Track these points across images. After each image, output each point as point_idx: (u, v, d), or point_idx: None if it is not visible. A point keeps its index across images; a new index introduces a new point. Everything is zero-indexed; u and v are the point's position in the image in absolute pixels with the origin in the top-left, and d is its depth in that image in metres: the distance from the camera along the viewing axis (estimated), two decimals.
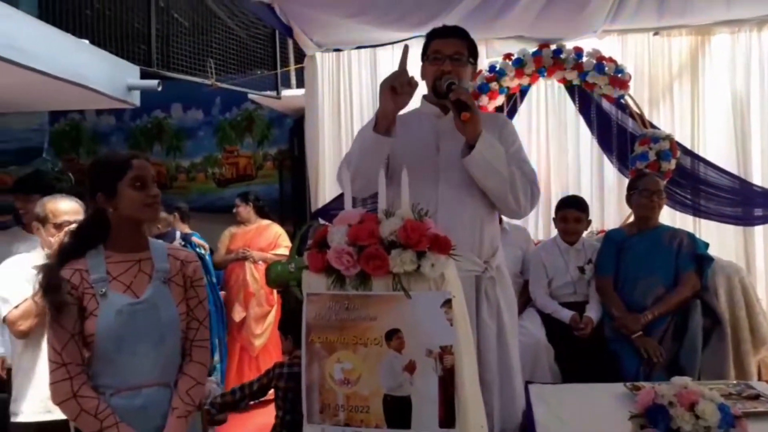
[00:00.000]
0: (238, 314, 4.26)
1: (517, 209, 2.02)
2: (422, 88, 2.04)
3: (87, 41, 3.10)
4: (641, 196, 3.04)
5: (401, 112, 1.94)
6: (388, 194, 1.61)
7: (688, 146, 3.90)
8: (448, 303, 1.50)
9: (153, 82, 3.43)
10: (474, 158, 1.88)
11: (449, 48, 1.99)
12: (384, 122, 1.87)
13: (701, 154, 3.90)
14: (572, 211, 3.19)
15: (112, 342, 1.62)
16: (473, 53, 2.05)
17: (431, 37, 2.05)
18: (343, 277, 1.53)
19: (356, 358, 1.49)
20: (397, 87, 1.82)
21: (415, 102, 1.97)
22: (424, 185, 1.91)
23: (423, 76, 2.07)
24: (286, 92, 5.01)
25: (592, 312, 3.05)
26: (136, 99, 3.48)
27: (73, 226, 1.93)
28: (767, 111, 3.86)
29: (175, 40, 4.51)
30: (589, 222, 3.31)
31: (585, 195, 3.94)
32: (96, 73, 2.99)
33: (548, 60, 3.83)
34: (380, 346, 1.49)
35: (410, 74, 1.84)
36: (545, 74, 3.89)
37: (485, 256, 2.05)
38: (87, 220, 1.78)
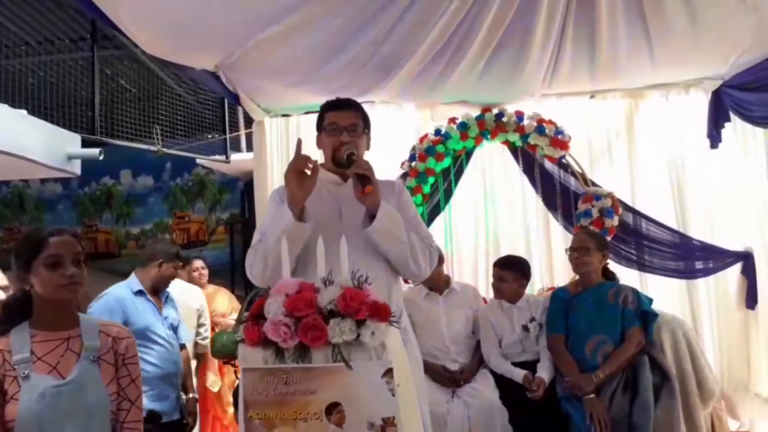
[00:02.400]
0: (214, 384, 4.09)
1: (418, 272, 2.10)
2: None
3: (24, 111, 3.06)
4: (568, 254, 3.16)
5: None
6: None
7: (629, 203, 4.03)
8: (389, 372, 1.48)
9: (94, 151, 3.38)
10: (375, 228, 1.95)
11: (345, 120, 2.06)
12: (297, 208, 1.91)
13: (641, 210, 4.03)
14: (495, 269, 3.29)
15: (34, 428, 1.52)
16: (367, 124, 2.13)
17: (325, 109, 2.12)
18: (281, 350, 1.49)
19: None
20: (303, 169, 1.89)
21: None
22: (330, 251, 1.91)
23: (319, 146, 2.15)
24: (235, 156, 5.01)
25: (544, 371, 3.04)
26: (76, 168, 3.42)
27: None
28: (701, 168, 4.03)
29: (122, 106, 4.50)
30: (523, 282, 3.31)
31: (533, 252, 4.04)
32: (34, 143, 2.94)
33: (491, 123, 3.95)
34: (320, 421, 1.44)
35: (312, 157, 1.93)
36: (489, 137, 4.01)
37: (397, 317, 2.04)
38: (12, 297, 1.70)
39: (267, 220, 2.08)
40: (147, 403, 2.69)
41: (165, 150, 4.24)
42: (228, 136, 4.85)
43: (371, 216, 1.95)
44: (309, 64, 3.28)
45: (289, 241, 1.82)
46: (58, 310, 1.65)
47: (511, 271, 3.25)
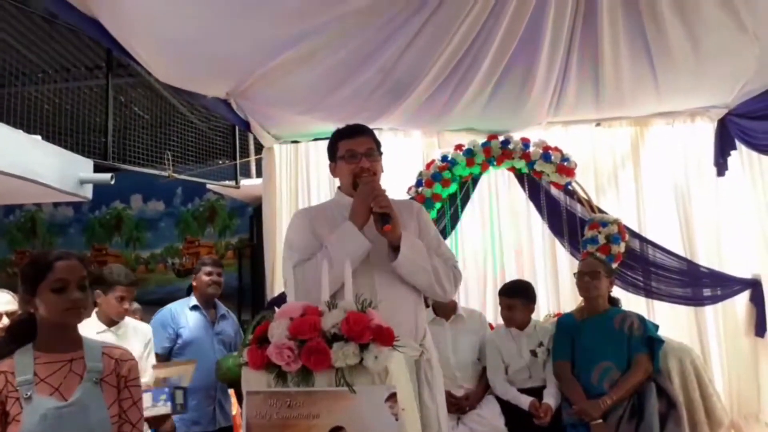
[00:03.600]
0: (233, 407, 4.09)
1: (443, 295, 2.15)
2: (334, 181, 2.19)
3: (39, 137, 3.13)
4: (577, 278, 3.17)
5: (316, 205, 2.20)
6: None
7: (635, 230, 4.03)
8: (392, 397, 1.48)
9: (106, 176, 3.45)
10: (401, 262, 1.99)
11: (361, 146, 2.11)
12: (361, 227, 1.99)
13: (648, 237, 4.02)
14: (504, 298, 3.28)
15: None
16: (379, 147, 2.18)
17: (339, 138, 2.16)
18: (284, 373, 1.51)
19: None
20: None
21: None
22: (359, 275, 1.94)
23: (335, 174, 2.20)
24: (245, 181, 5.07)
25: (550, 398, 3.03)
26: (88, 192, 3.48)
27: (5, 321, 1.88)
28: (707, 195, 4.04)
29: (135, 132, 4.58)
30: (531, 308, 3.32)
31: (539, 278, 4.03)
32: (47, 168, 3.00)
33: (497, 150, 3.99)
34: None
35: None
36: (495, 163, 4.04)
37: (420, 339, 2.08)
38: (18, 318, 1.73)
39: (297, 240, 2.09)
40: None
41: (176, 175, 4.30)
42: (238, 162, 4.92)
43: (395, 248, 2.00)
44: (317, 92, 3.34)
45: (353, 262, 1.90)
46: (62, 333, 1.67)
47: (520, 298, 3.25)
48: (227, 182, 4.96)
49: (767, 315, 3.75)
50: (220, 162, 5.14)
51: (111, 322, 2.89)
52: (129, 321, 3.02)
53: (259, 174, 5.06)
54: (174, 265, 6.58)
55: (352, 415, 1.46)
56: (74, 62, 4.88)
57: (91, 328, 2.72)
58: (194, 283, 3.56)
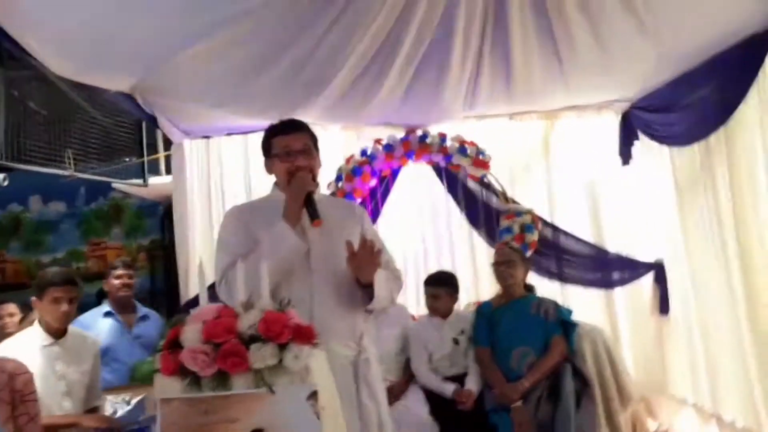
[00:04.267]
0: None
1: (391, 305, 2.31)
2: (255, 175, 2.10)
3: None
4: (494, 268, 3.29)
5: (248, 202, 2.15)
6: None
7: (548, 219, 4.18)
8: (314, 395, 1.45)
9: None
10: (375, 303, 2.02)
11: (297, 143, 2.05)
12: (295, 225, 1.95)
13: (560, 225, 4.19)
14: (428, 287, 3.35)
15: None
16: (316, 143, 2.13)
17: (272, 134, 2.09)
18: (199, 378, 1.44)
19: None
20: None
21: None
22: (297, 277, 1.93)
23: (270, 171, 2.13)
24: (154, 179, 4.82)
25: (472, 384, 3.10)
26: None
27: None
28: (614, 184, 4.25)
29: (31, 129, 4.25)
30: (455, 297, 3.39)
31: (459, 268, 4.10)
32: None
33: (415, 144, 4.02)
34: None
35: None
36: (413, 157, 4.07)
37: (357, 338, 2.06)
38: None
39: (231, 240, 2.02)
40: None
41: (78, 174, 4.02)
42: (146, 159, 4.67)
43: (365, 286, 1.98)
44: (229, 85, 3.23)
45: (287, 262, 1.88)
46: None
47: (445, 288, 3.31)
48: (134, 180, 4.69)
49: (670, 295, 3.99)
50: (126, 159, 4.86)
51: (56, 331, 2.57)
52: (75, 331, 2.72)
53: (168, 171, 4.83)
54: (79, 269, 6.19)
55: (272, 416, 1.42)
56: None
57: (35, 341, 2.48)
58: (105, 288, 3.40)
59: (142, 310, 3.46)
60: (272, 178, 2.16)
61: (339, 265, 2.00)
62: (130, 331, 3.32)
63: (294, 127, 2.09)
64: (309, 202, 1.95)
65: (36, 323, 2.59)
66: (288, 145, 2.04)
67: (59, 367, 2.51)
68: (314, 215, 1.93)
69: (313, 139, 2.11)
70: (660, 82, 3.67)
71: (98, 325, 3.32)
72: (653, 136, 3.89)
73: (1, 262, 6.34)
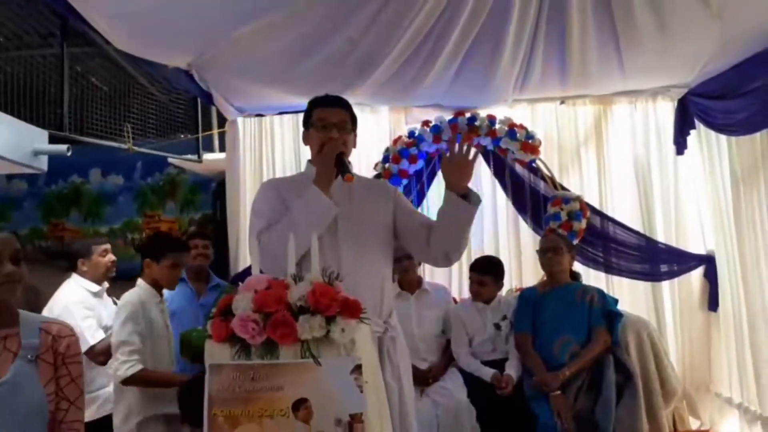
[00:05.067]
0: None
1: (448, 264, 2.15)
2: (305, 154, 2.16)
3: None
4: (540, 255, 3.25)
5: (286, 176, 2.02)
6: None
7: (597, 207, 4.11)
8: (358, 369, 1.48)
9: (62, 147, 3.32)
10: (472, 209, 1.97)
11: (335, 116, 2.07)
12: (327, 191, 1.95)
13: (609, 214, 4.11)
14: (474, 274, 3.34)
15: None
16: (354, 122, 2.15)
17: (314, 105, 2.13)
18: (248, 346, 1.49)
19: (262, 431, 1.44)
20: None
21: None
22: (325, 248, 1.93)
23: (306, 142, 2.16)
24: (208, 156, 4.96)
25: (512, 369, 3.10)
26: (43, 164, 3.35)
27: None
28: (666, 173, 4.13)
29: (92, 104, 4.42)
30: (500, 284, 3.39)
31: (502, 254, 4.07)
32: None
33: (463, 127, 4.00)
34: (287, 418, 1.44)
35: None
36: (461, 140, 4.04)
37: (385, 316, 2.06)
38: None
39: (265, 208, 2.04)
40: None
41: (136, 148, 4.17)
42: (201, 135, 4.80)
43: (462, 196, 1.95)
44: (283, 63, 3.27)
45: (318, 226, 1.88)
46: None
47: (491, 275, 3.31)
48: (189, 156, 4.84)
49: (719, 290, 3.88)
50: (182, 135, 5.01)
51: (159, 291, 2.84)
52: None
53: (222, 148, 4.95)
54: (134, 241, 6.43)
55: (316, 387, 1.46)
56: (27, 29, 4.67)
57: (150, 298, 2.70)
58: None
59: (215, 279, 3.59)
60: None
61: (368, 239, 2.02)
62: (199, 299, 3.45)
63: (334, 102, 2.12)
64: (340, 162, 1.97)
65: (140, 281, 2.78)
66: (325, 118, 2.06)
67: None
68: (345, 171, 1.95)
69: (353, 118, 2.14)
70: (722, 66, 3.53)
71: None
72: (711, 125, 3.75)
73: (61, 231, 6.63)
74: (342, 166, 1.97)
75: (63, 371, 1.64)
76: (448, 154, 2.00)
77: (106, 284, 3.20)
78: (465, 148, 2.00)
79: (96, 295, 3.10)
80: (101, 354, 2.83)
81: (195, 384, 2.63)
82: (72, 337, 1.70)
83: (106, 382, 2.98)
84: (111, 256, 3.20)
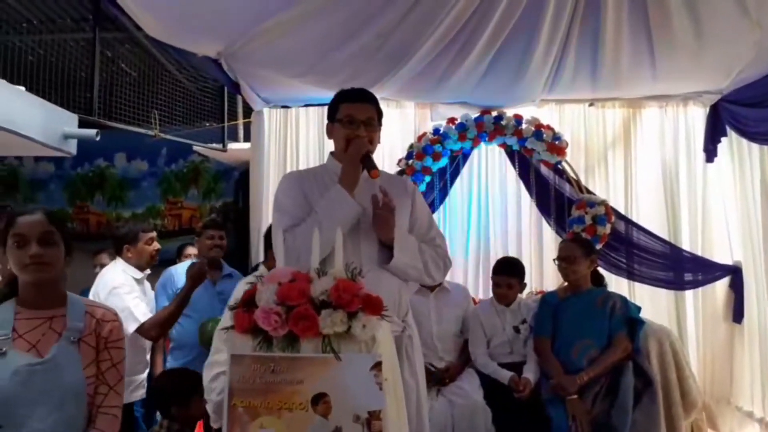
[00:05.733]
0: None
1: (431, 282, 2.25)
2: (329, 146, 2.19)
3: (23, 88, 3.03)
4: (557, 263, 3.19)
5: (308, 168, 2.18)
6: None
7: (622, 212, 4.05)
8: (378, 366, 1.48)
9: (91, 132, 3.36)
10: (394, 265, 2.00)
11: (362, 113, 2.05)
12: (352, 191, 1.97)
13: (634, 219, 4.05)
14: (504, 277, 3.27)
15: (4, 405, 1.51)
16: (380, 117, 2.13)
17: (341, 100, 2.10)
18: (270, 338, 1.49)
19: (281, 423, 1.44)
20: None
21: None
22: (346, 244, 1.89)
23: (330, 136, 2.14)
24: (232, 145, 4.99)
25: (530, 373, 3.07)
26: (72, 147, 3.40)
27: None
28: (694, 181, 4.06)
29: (121, 89, 4.47)
30: (524, 285, 3.37)
31: (524, 256, 4.04)
32: (30, 120, 2.92)
33: (489, 125, 3.96)
34: (306, 411, 1.44)
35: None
36: (486, 139, 4.02)
37: (402, 315, 2.07)
38: (8, 274, 1.69)
39: (288, 203, 2.05)
40: None
41: (162, 135, 4.21)
42: (226, 124, 4.84)
43: (388, 247, 1.99)
44: (312, 55, 3.26)
45: (343, 226, 1.87)
46: (40, 289, 1.64)
47: (517, 277, 3.28)
48: (214, 145, 4.87)
49: (745, 302, 3.80)
50: (208, 124, 5.05)
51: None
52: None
53: (246, 138, 4.98)
54: (156, 226, 6.49)
55: (336, 382, 1.45)
56: (60, 13, 4.73)
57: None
58: (196, 246, 3.65)
59: (227, 269, 3.62)
60: None
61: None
62: (214, 286, 3.48)
63: (362, 97, 2.09)
64: (366, 160, 1.97)
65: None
66: (352, 114, 2.04)
67: None
68: (372, 167, 1.95)
69: (379, 113, 2.12)
70: (757, 73, 3.45)
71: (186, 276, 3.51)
72: (744, 133, 3.67)
73: (86, 214, 6.73)
74: (368, 162, 1.96)
75: (105, 355, 1.67)
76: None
77: (148, 271, 3.24)
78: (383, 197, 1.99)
79: (139, 281, 3.13)
80: (152, 329, 2.91)
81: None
82: (116, 323, 1.73)
83: (142, 369, 3.08)
84: (156, 245, 3.24)
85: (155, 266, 3.33)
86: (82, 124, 3.69)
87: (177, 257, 4.58)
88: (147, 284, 3.28)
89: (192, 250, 4.51)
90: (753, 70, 3.43)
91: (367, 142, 2.02)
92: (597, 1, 2.85)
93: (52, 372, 1.56)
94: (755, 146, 3.67)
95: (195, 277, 2.89)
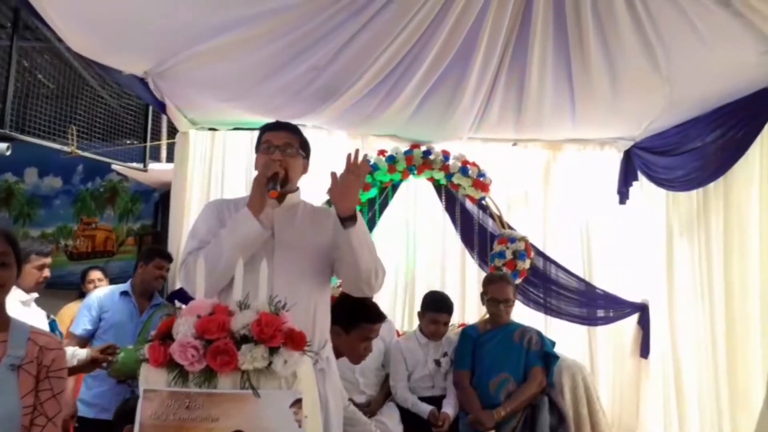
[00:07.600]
0: None
1: (370, 290, 2.06)
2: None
3: None
4: (490, 304, 3.24)
5: (233, 198, 2.16)
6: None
7: (540, 248, 4.20)
8: (298, 403, 1.44)
9: (2, 146, 3.17)
10: (356, 229, 1.92)
11: (279, 139, 2.07)
12: (258, 215, 1.93)
13: (551, 256, 4.21)
14: (442, 314, 3.23)
15: None
16: (305, 147, 2.15)
17: (263, 131, 2.13)
18: (186, 373, 1.43)
19: None
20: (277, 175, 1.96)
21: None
22: (257, 270, 1.87)
23: (256, 167, 2.12)
24: (153, 165, 4.81)
25: (449, 407, 3.09)
26: None
27: None
28: (609, 221, 4.27)
29: (37, 101, 4.23)
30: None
31: (449, 288, 4.10)
32: None
33: (418, 159, 4.04)
34: None
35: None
36: (415, 172, 4.09)
37: (316, 347, 1.98)
38: None
39: (202, 228, 2.02)
40: None
41: (79, 152, 4.01)
42: (148, 144, 4.67)
43: (343, 219, 1.92)
44: (245, 82, 3.23)
45: (244, 249, 1.83)
46: None
47: (448, 313, 3.27)
48: (134, 164, 4.68)
49: (651, 338, 4.01)
50: (129, 142, 4.86)
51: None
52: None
53: (169, 159, 4.82)
54: (67, 247, 6.14)
55: (254, 419, 1.40)
56: None
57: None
58: (139, 271, 3.44)
59: (158, 298, 3.48)
60: None
61: (305, 266, 1.99)
62: (140, 315, 3.33)
63: (283, 126, 2.14)
64: (272, 181, 1.95)
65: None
66: (270, 140, 2.06)
67: None
68: (273, 188, 1.93)
69: (302, 142, 2.13)
70: (666, 124, 3.72)
71: (113, 300, 3.37)
72: (653, 178, 3.92)
73: None
74: (273, 183, 1.94)
75: (45, 385, 1.56)
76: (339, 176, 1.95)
77: (35, 294, 3.02)
78: (360, 160, 1.97)
79: (25, 303, 2.92)
80: None
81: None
82: (60, 351, 1.62)
83: None
84: (46, 272, 2.95)
85: (45, 288, 3.11)
86: None
87: (81, 282, 4.33)
88: (34, 307, 3.00)
89: (97, 274, 4.26)
90: (663, 121, 3.68)
91: (277, 164, 2.01)
92: (524, 48, 2.98)
93: None
94: (662, 191, 3.92)
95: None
